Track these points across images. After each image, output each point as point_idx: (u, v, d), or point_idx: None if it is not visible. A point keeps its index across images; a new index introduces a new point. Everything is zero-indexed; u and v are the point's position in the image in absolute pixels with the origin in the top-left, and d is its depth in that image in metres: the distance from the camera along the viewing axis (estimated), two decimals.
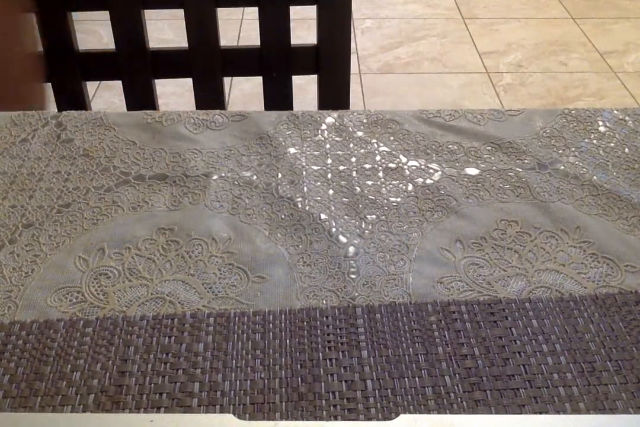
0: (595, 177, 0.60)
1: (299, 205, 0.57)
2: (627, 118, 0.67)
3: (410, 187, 0.59)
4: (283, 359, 0.44)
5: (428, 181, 0.60)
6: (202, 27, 0.84)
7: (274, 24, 0.85)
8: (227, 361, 0.44)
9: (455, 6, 2.58)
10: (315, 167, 0.61)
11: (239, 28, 2.37)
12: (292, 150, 0.63)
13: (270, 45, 0.86)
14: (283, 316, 0.47)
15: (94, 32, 2.27)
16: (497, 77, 2.14)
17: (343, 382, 0.42)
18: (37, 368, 0.43)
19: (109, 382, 0.42)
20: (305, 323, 0.46)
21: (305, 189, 0.58)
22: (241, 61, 0.88)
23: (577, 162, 0.62)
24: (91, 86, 1.99)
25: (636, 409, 0.41)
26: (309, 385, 0.42)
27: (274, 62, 0.88)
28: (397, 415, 0.40)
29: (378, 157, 0.62)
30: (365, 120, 0.67)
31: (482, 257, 0.52)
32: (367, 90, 2.07)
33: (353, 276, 0.50)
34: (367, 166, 0.61)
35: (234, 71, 0.90)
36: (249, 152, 0.63)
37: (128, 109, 0.89)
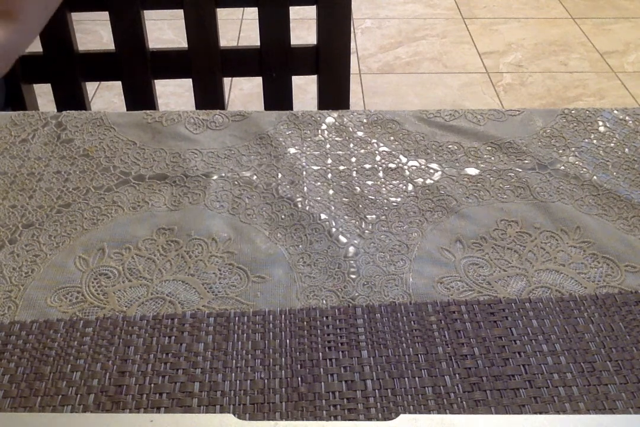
0: (595, 177, 0.60)
1: (299, 205, 0.57)
2: (627, 118, 0.67)
3: (410, 187, 0.59)
4: (283, 359, 0.44)
5: (428, 181, 0.60)
6: (202, 27, 0.84)
7: (274, 24, 0.85)
8: (227, 361, 0.44)
9: (455, 6, 2.58)
10: (315, 167, 0.61)
11: (239, 28, 2.37)
12: (292, 150, 0.63)
13: (270, 46, 0.86)
14: (283, 316, 0.47)
15: (93, 32, 2.27)
16: (497, 77, 2.14)
17: (343, 382, 0.42)
18: (37, 368, 0.43)
19: (109, 382, 0.42)
20: (305, 323, 0.46)
21: (305, 189, 0.58)
22: (241, 61, 0.88)
23: (577, 162, 0.62)
24: (91, 86, 1.99)
25: (636, 409, 0.41)
26: (309, 385, 0.42)
27: (274, 62, 0.88)
28: (397, 415, 0.40)
29: (378, 157, 0.62)
30: (365, 120, 0.67)
31: (482, 257, 0.52)
32: (367, 90, 2.07)
33: (353, 276, 0.50)
34: (367, 166, 0.61)
35: (233, 71, 0.90)
36: (249, 152, 0.63)
37: (128, 109, 0.89)
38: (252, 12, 2.30)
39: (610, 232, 0.54)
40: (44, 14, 0.56)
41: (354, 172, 0.61)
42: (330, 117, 0.67)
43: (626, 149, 0.63)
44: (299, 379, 0.43)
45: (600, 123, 0.67)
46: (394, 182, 0.59)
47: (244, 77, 0.93)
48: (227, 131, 0.65)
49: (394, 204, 0.57)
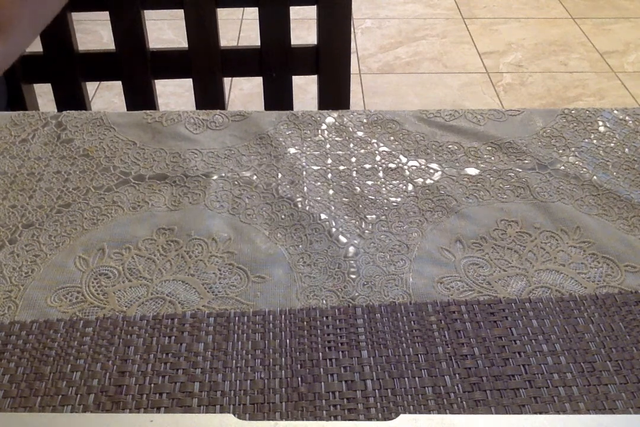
0: (595, 177, 0.60)
1: (299, 205, 0.57)
2: (627, 118, 0.67)
3: (410, 187, 0.59)
4: (283, 359, 0.44)
5: (428, 181, 0.60)
6: (202, 27, 0.84)
7: (274, 24, 0.85)
8: (227, 361, 0.44)
9: (455, 6, 2.59)
10: (315, 167, 0.61)
11: (239, 28, 2.37)
12: (292, 150, 0.63)
13: (270, 46, 0.86)
14: (283, 316, 0.47)
15: (93, 32, 2.27)
16: (497, 77, 2.14)
17: (343, 382, 0.42)
18: (37, 368, 0.43)
19: (109, 382, 0.42)
20: (305, 323, 0.46)
21: (305, 189, 0.58)
22: (241, 61, 0.88)
23: (577, 162, 0.62)
24: (91, 86, 1.99)
25: (636, 409, 0.41)
26: (309, 385, 0.42)
27: (274, 62, 0.88)
28: (397, 415, 0.40)
29: (378, 157, 0.62)
30: (365, 120, 0.67)
31: (482, 257, 0.52)
32: (367, 90, 2.07)
33: (353, 276, 0.50)
34: (367, 166, 0.61)
35: (234, 71, 0.90)
36: (249, 152, 0.63)
37: (128, 109, 0.89)
38: (252, 12, 2.30)
39: (610, 232, 0.54)
40: (36, 27, 0.56)
41: (354, 172, 0.61)
42: (330, 117, 0.67)
43: (626, 149, 0.63)
44: (299, 379, 0.43)
45: (600, 123, 0.67)
46: (394, 182, 0.59)
47: (244, 77, 0.93)
48: (227, 131, 0.65)
49: (394, 204, 0.57)
